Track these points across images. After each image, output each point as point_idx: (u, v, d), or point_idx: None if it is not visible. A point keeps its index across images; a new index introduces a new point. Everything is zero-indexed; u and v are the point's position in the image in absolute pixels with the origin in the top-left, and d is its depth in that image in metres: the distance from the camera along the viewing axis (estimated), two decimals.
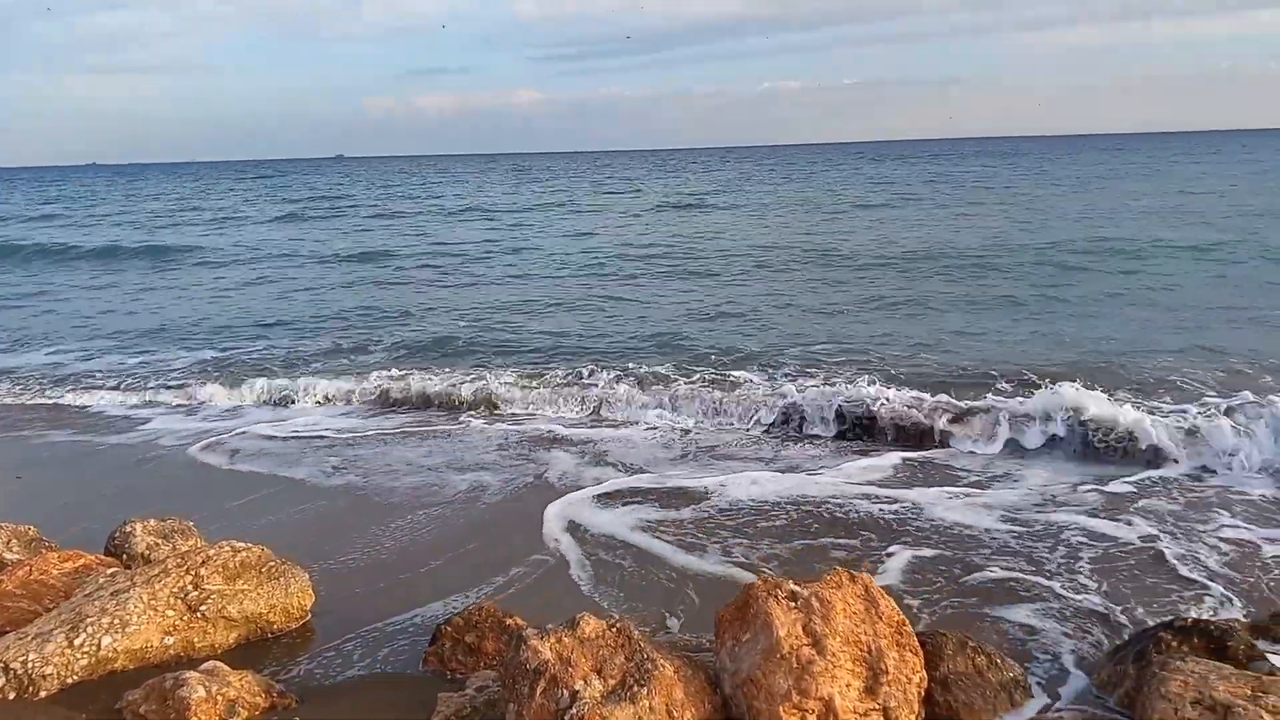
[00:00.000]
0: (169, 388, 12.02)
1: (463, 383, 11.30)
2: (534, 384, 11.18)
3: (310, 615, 5.52)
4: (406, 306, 17.53)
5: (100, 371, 13.16)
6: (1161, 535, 6.57)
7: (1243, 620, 5.07)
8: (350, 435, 9.85)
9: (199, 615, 5.05)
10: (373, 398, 11.23)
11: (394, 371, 12.11)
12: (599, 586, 6.10)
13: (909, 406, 9.20)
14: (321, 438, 9.77)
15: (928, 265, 19.90)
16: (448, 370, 12.19)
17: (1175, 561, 6.15)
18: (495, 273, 22.03)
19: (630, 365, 11.96)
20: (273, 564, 5.46)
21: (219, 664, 4.54)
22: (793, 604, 3.97)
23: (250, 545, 5.46)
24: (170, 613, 4.99)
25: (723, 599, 4.39)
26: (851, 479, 7.95)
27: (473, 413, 10.57)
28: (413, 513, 7.54)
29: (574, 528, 7.09)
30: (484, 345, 13.89)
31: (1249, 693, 3.58)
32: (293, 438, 9.80)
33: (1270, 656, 4.49)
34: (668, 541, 6.78)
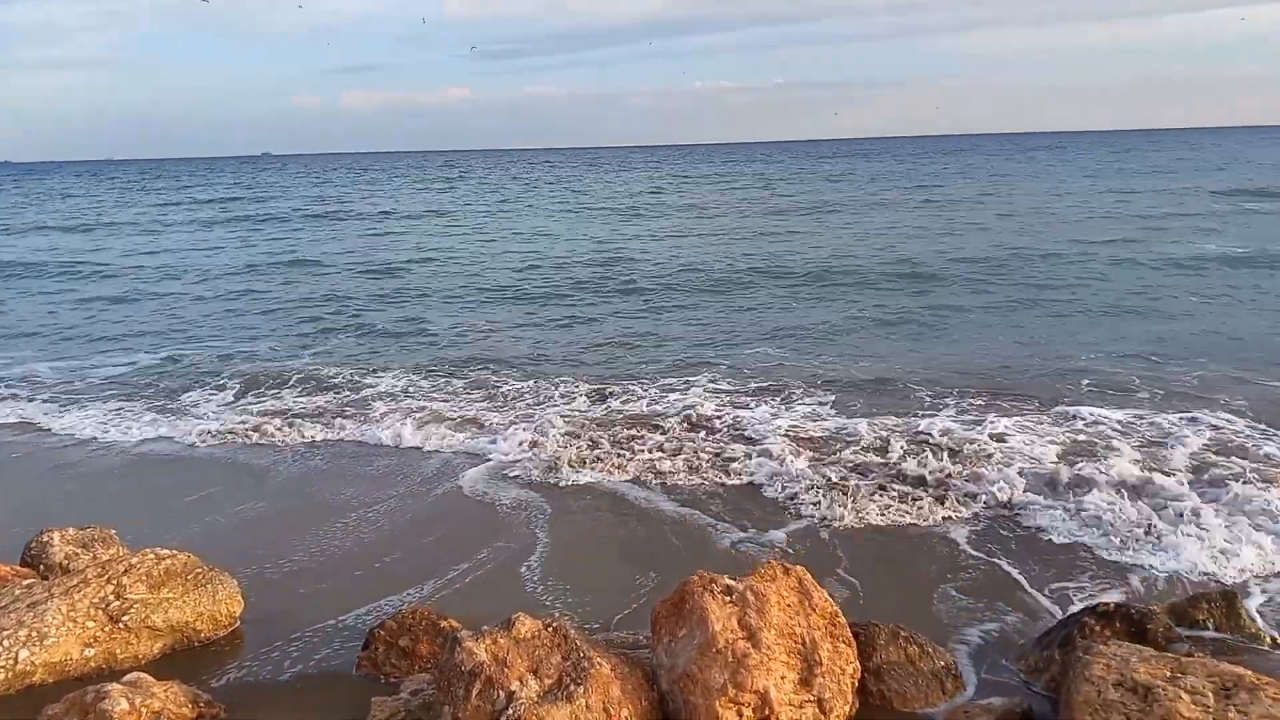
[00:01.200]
0: (95, 397, 11.65)
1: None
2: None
3: (240, 622, 5.40)
4: (335, 318, 16.85)
5: (23, 379, 12.69)
6: None
7: (1161, 604, 5.24)
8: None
9: (121, 626, 4.90)
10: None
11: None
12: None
13: None
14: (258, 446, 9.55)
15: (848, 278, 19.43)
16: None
17: None
18: (423, 284, 20.89)
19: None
20: (200, 571, 5.33)
21: (143, 675, 4.40)
22: (728, 598, 3.99)
23: (175, 552, 5.33)
24: (90, 624, 4.84)
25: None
26: None
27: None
28: (346, 515, 7.43)
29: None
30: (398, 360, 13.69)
31: (1168, 674, 3.69)
32: (223, 444, 9.57)
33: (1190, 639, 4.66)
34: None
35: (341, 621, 5.53)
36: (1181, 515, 6.74)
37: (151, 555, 5.22)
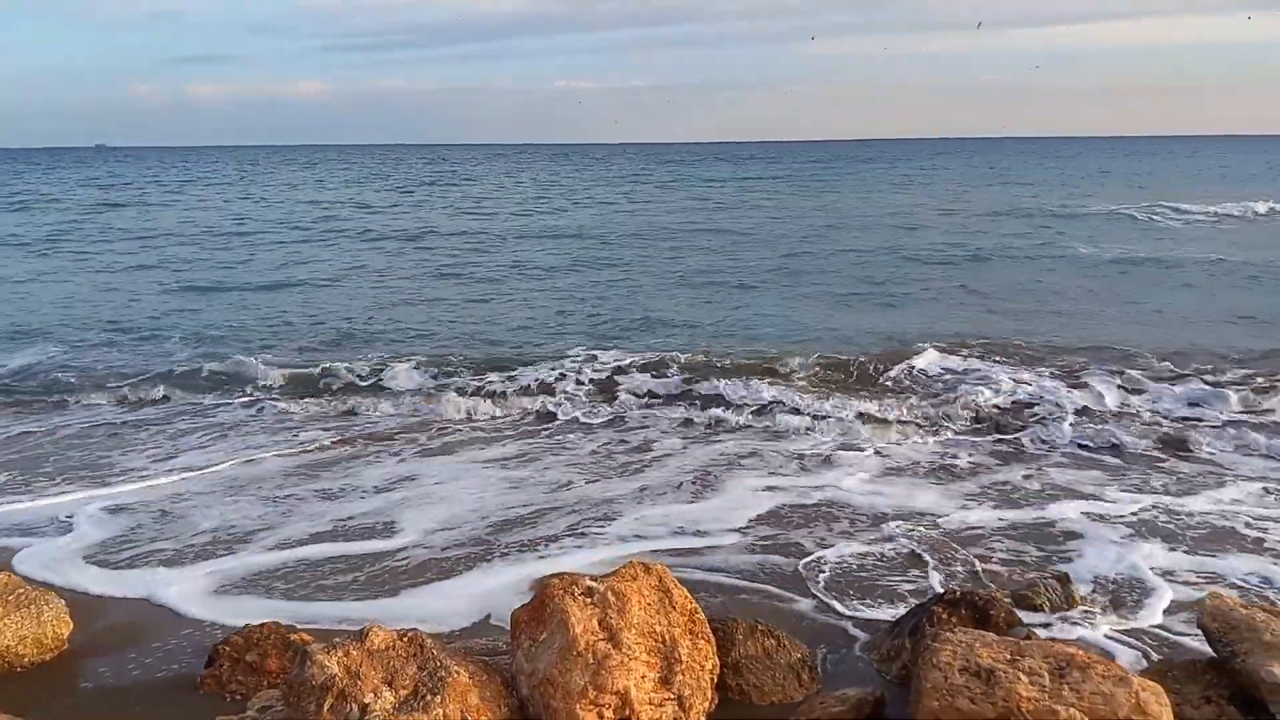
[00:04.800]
0: None
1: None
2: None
3: (68, 644, 5.04)
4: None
5: None
6: None
7: (1003, 591, 5.51)
8: None
9: None
10: None
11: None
12: None
13: None
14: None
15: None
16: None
17: None
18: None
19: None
20: (22, 591, 4.95)
21: None
22: (589, 600, 3.96)
23: None
24: None
25: None
26: None
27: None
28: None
29: None
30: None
31: (1008, 657, 3.86)
32: None
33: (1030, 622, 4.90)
34: None
35: (182, 638, 5.24)
36: None
37: None
